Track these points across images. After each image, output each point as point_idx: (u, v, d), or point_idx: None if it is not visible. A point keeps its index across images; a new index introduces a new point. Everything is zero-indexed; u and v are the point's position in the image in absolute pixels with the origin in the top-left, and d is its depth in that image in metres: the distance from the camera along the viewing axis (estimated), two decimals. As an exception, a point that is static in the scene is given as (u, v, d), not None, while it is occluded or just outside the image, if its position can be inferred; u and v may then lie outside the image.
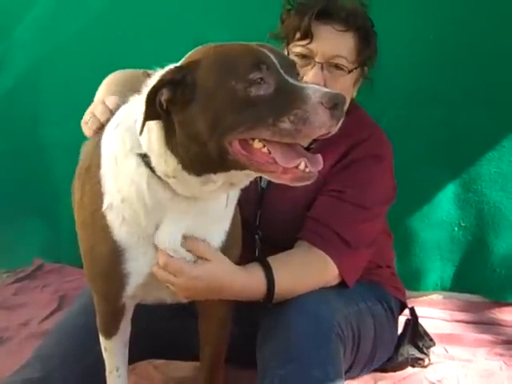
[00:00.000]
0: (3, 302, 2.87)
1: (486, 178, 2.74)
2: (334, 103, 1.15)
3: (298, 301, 1.61)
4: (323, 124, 1.16)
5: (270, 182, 1.89)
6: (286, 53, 1.84)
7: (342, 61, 1.78)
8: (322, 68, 1.77)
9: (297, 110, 1.16)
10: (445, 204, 2.80)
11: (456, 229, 2.80)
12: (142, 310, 1.64)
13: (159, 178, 1.31)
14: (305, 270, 1.68)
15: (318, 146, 1.88)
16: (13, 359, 2.09)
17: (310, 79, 1.76)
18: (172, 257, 1.41)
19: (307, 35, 1.76)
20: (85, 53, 3.19)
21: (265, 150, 1.21)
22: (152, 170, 1.31)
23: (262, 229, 1.89)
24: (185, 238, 1.41)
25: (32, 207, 3.43)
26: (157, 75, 1.30)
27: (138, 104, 1.33)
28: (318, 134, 1.18)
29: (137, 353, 1.89)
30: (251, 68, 1.19)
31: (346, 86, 1.82)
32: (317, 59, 1.77)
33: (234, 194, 1.49)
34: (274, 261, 1.63)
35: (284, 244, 1.74)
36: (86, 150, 1.55)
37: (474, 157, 2.73)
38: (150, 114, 1.24)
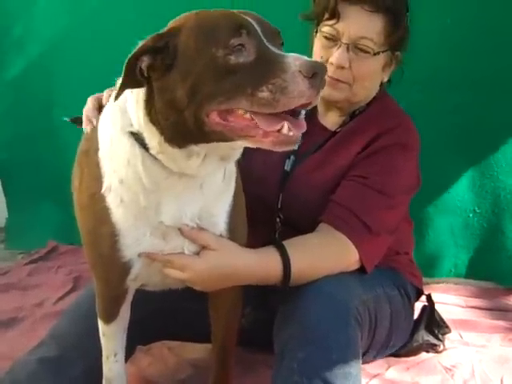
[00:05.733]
0: (18, 282, 2.89)
1: (502, 164, 2.72)
2: (313, 72, 1.13)
3: (316, 285, 1.60)
4: (302, 93, 1.14)
5: (294, 166, 1.89)
6: (315, 34, 1.84)
7: (368, 43, 1.75)
8: (347, 49, 1.75)
9: (276, 79, 1.13)
10: (460, 190, 2.78)
11: (471, 215, 2.78)
12: (158, 292, 1.64)
13: (153, 157, 1.30)
14: (324, 253, 1.67)
15: (345, 132, 1.87)
16: (27, 339, 2.12)
17: (335, 60, 1.75)
18: (172, 254, 1.42)
19: (334, 15, 1.75)
20: (99, 37, 3.19)
21: (247, 115, 1.19)
22: (146, 148, 1.30)
23: (283, 212, 1.88)
24: (181, 230, 1.40)
25: (46, 190, 3.45)
26: (139, 44, 1.28)
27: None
28: (296, 103, 1.15)
29: (152, 333, 1.92)
30: (231, 33, 1.17)
31: (372, 68, 1.81)
32: (343, 40, 1.75)
33: (231, 170, 1.48)
34: (291, 243, 1.63)
35: (305, 227, 1.72)
36: (85, 134, 1.54)
37: (491, 142, 2.71)
38: (128, 82, 1.22)
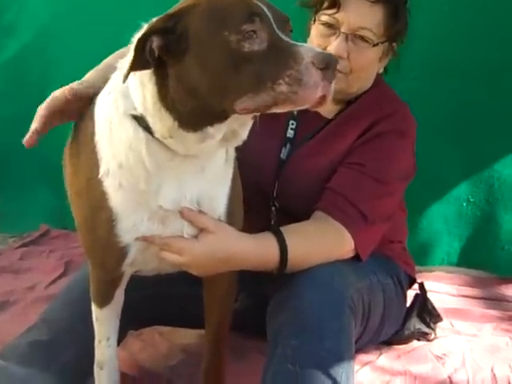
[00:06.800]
0: (9, 265, 2.88)
1: (497, 153, 2.74)
2: (325, 63, 1.13)
3: (311, 272, 1.60)
4: (317, 84, 1.13)
5: (289, 154, 1.88)
6: (313, 22, 1.81)
7: (367, 33, 1.73)
8: (346, 39, 1.73)
9: (290, 71, 1.13)
10: (454, 179, 2.80)
11: (464, 204, 2.80)
12: (151, 276, 1.64)
13: (158, 140, 1.28)
14: (320, 240, 1.67)
15: (341, 119, 1.86)
16: (18, 322, 2.10)
17: (333, 49, 1.72)
18: (170, 237, 1.41)
19: (335, 4, 1.73)
20: (94, 18, 3.17)
21: None
22: (150, 132, 1.28)
23: (279, 200, 1.88)
24: (181, 213, 1.38)
25: (38, 174, 3.43)
26: (145, 26, 1.25)
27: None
28: (313, 95, 1.14)
29: (144, 318, 1.92)
30: (244, 18, 1.15)
31: (370, 59, 1.79)
32: (342, 29, 1.73)
33: (232, 153, 1.46)
34: (287, 229, 1.62)
35: (301, 215, 1.72)
36: (78, 120, 1.50)
37: (486, 131, 2.72)
38: (138, 63, 1.19)
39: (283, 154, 1.89)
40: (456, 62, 2.66)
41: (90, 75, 1.58)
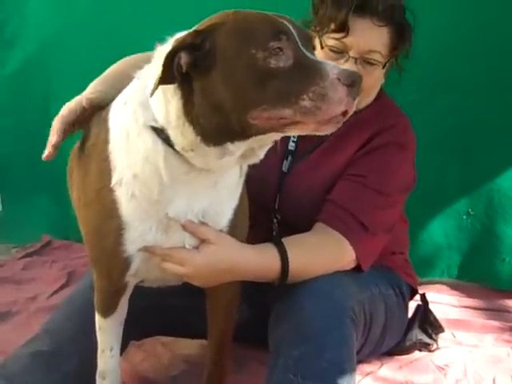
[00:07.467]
0: (12, 276, 2.88)
1: (496, 166, 2.73)
2: (351, 80, 1.15)
3: (312, 284, 1.60)
4: (341, 100, 1.15)
5: (291, 167, 1.89)
6: (317, 43, 1.81)
7: (376, 56, 1.75)
8: (355, 62, 1.74)
9: (315, 87, 1.15)
10: (454, 192, 2.80)
11: (464, 217, 2.79)
12: (155, 287, 1.64)
13: (176, 153, 1.29)
14: (321, 251, 1.68)
15: (342, 131, 1.87)
16: (20, 333, 2.10)
17: None
18: (172, 248, 1.42)
19: (343, 28, 1.73)
20: (96, 30, 3.18)
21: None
22: (170, 145, 1.29)
23: (280, 212, 1.89)
24: (183, 226, 1.39)
25: (41, 184, 3.43)
26: (171, 41, 1.28)
27: (150, 76, 1.29)
28: (337, 110, 1.17)
29: (146, 329, 1.92)
30: (271, 37, 1.17)
31: (378, 78, 1.83)
32: (351, 53, 1.74)
33: (246, 168, 1.48)
34: (289, 240, 1.63)
35: (302, 228, 1.72)
36: (89, 128, 1.51)
37: (486, 144, 2.72)
38: (165, 78, 1.21)
39: (284, 167, 1.90)
40: (455, 75, 2.67)
41: (98, 84, 1.60)
